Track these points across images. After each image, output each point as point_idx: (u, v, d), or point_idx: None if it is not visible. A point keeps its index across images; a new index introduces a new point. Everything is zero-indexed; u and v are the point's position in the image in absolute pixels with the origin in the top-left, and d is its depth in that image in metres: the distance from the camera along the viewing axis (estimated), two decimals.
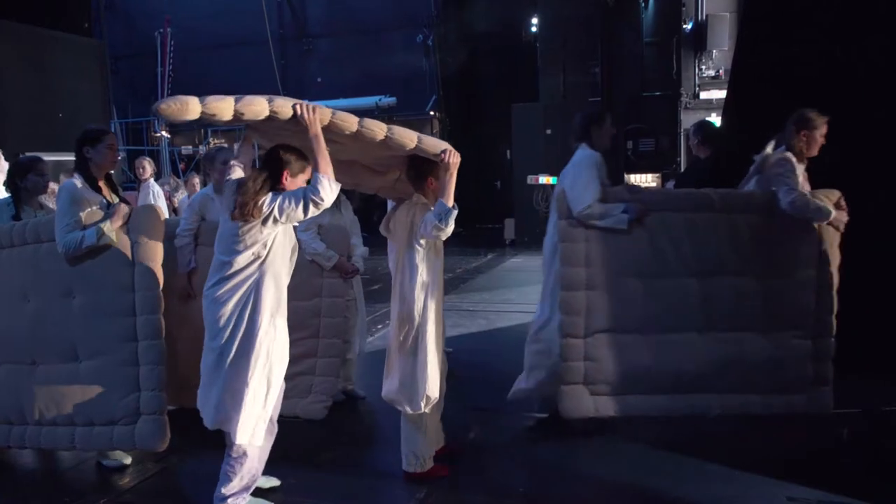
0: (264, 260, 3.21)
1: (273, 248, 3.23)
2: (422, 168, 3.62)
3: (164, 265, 3.90)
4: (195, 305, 4.38)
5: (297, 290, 4.19)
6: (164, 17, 19.88)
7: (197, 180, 8.07)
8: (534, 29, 16.50)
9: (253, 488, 3.45)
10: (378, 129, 3.29)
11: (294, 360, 4.16)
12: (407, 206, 3.67)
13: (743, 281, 4.22)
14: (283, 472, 3.79)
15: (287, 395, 4.17)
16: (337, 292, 4.79)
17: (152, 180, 8.24)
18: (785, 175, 4.14)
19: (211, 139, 20.18)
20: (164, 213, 4.78)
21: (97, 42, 14.38)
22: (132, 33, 20.53)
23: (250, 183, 3.14)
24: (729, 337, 4.21)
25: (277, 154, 3.22)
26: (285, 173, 3.20)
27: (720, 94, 12.80)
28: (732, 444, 4.16)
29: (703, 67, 14.32)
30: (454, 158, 3.45)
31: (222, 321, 3.24)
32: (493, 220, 17.42)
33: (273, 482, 3.73)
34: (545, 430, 4.46)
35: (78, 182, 3.88)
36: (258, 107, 3.01)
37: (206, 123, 3.89)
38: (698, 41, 14.25)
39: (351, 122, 3.24)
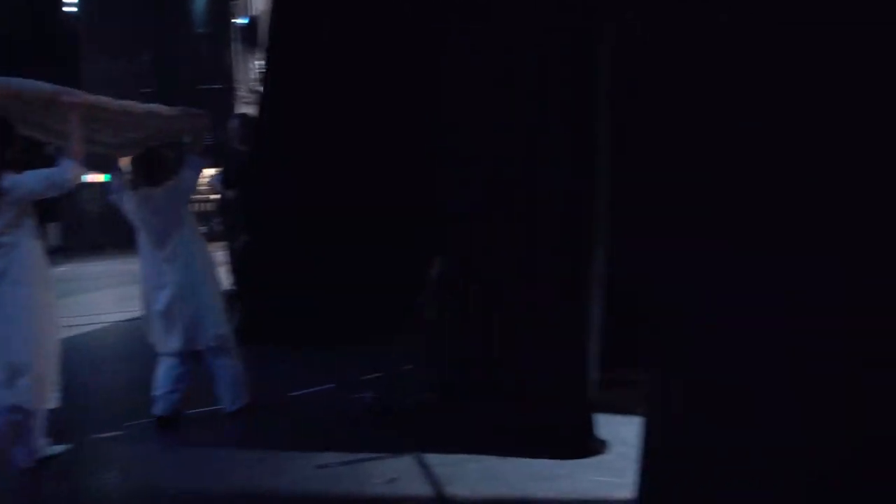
0: (21, 225, 3.48)
1: (28, 213, 3.53)
2: (169, 165, 4.30)
3: None
4: None
5: None
6: None
7: None
8: (70, 9, 14.98)
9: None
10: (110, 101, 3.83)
11: None
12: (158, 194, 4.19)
13: None
14: None
15: None
16: None
17: None
18: None
19: None
20: None
21: None
22: None
23: None
24: None
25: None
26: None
27: None
28: (260, 430, 4.24)
29: (257, 62, 14.63)
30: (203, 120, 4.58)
31: None
32: None
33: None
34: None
35: None
36: (38, 89, 3.45)
37: None
38: (252, 37, 14.49)
39: (107, 100, 3.77)
